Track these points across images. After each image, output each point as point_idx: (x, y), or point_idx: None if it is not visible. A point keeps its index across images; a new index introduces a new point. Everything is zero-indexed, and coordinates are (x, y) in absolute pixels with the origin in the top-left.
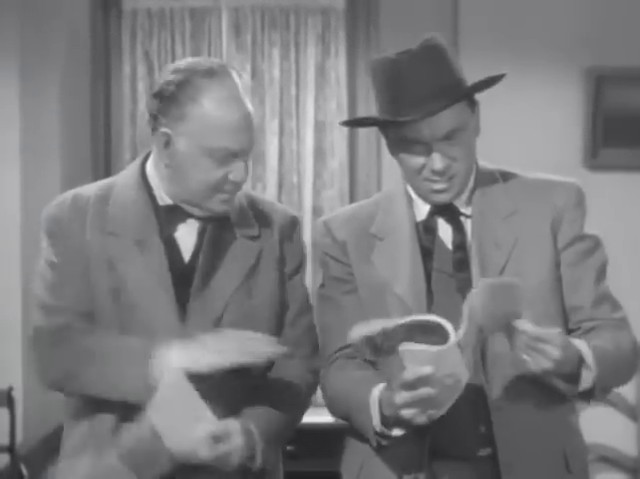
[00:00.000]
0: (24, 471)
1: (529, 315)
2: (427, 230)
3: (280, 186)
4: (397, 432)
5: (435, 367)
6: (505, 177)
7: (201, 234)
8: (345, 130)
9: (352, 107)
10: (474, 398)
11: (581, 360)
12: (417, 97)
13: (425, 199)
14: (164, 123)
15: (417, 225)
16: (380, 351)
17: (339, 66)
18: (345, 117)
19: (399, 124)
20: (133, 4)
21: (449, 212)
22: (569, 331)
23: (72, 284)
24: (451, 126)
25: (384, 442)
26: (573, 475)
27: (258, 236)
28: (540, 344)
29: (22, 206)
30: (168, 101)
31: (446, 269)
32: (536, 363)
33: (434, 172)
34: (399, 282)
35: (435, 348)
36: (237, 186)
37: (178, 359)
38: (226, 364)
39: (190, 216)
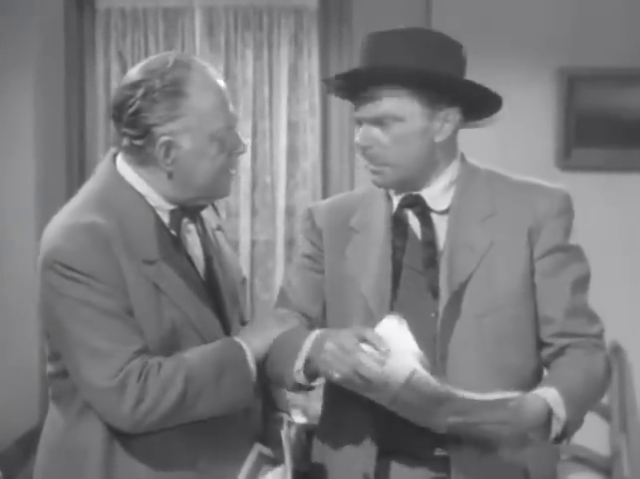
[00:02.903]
0: None
1: (497, 320)
2: (397, 223)
3: (253, 186)
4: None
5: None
6: (491, 177)
7: (202, 239)
8: (318, 130)
9: (325, 107)
10: None
11: (550, 412)
12: (373, 73)
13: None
14: (160, 132)
15: (392, 218)
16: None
17: (312, 66)
18: (318, 117)
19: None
20: (106, 4)
21: (417, 206)
22: (542, 344)
23: (127, 319)
24: (383, 110)
25: (300, 390)
26: None
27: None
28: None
29: None
30: (156, 109)
31: (416, 266)
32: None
33: (363, 153)
34: (366, 279)
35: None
36: (239, 158)
37: (263, 345)
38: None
39: (188, 220)
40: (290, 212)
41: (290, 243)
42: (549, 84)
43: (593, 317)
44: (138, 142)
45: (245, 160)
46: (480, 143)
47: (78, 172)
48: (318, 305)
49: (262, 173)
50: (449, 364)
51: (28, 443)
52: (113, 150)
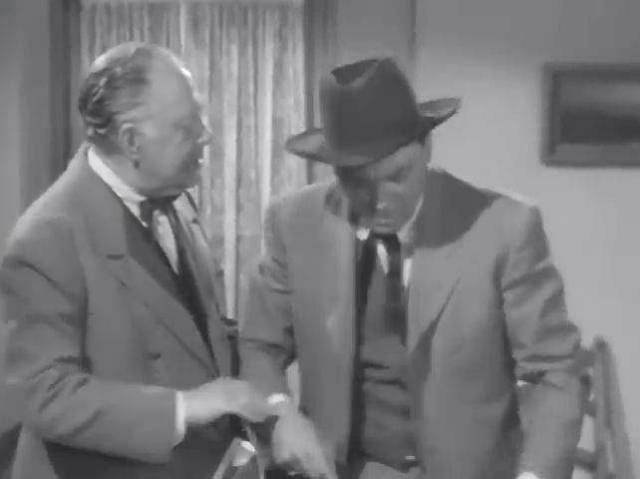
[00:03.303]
0: None
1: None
2: (365, 252)
3: (238, 181)
4: None
5: None
6: (453, 198)
7: (175, 231)
8: (303, 125)
9: (309, 103)
10: (402, 415)
11: None
12: (364, 134)
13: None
14: (122, 120)
15: (357, 242)
16: None
17: (297, 62)
18: (302, 113)
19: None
20: (92, 0)
21: (389, 240)
22: (516, 365)
23: (60, 325)
24: (398, 165)
25: None
26: None
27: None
28: None
29: None
30: (118, 96)
31: (383, 303)
32: None
33: (377, 210)
34: (331, 316)
35: None
36: (205, 146)
37: (205, 414)
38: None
39: (160, 212)
40: None
41: None
42: (534, 80)
43: (566, 331)
44: (101, 130)
45: (230, 155)
46: (465, 138)
47: (63, 168)
48: (281, 330)
49: (247, 168)
50: (421, 402)
51: (17, 436)
52: (85, 144)
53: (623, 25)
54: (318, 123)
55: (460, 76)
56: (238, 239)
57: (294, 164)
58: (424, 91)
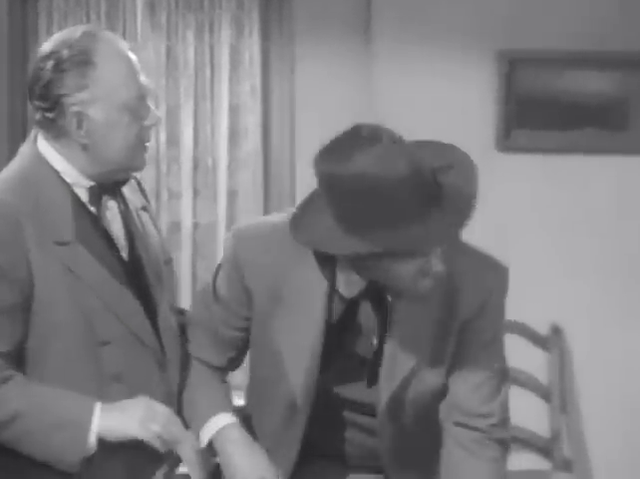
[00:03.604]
0: None
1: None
2: (349, 308)
3: (195, 168)
4: None
5: None
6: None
7: (124, 217)
8: (259, 112)
9: (266, 89)
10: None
11: None
12: (417, 215)
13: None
14: (69, 103)
15: (335, 297)
16: None
17: (253, 47)
18: (259, 99)
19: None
20: None
21: (377, 298)
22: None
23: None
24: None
25: None
26: None
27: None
28: None
29: None
30: (65, 79)
31: (355, 359)
32: None
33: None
34: (294, 371)
35: None
36: (153, 128)
37: (119, 429)
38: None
39: (108, 197)
40: (231, 194)
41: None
42: (490, 66)
43: (496, 389)
44: (49, 114)
45: (187, 142)
46: (419, 124)
47: None
48: (227, 358)
49: (204, 155)
50: (388, 431)
51: None
52: (35, 130)
53: (578, 12)
54: (275, 108)
55: (415, 62)
56: (195, 226)
57: (251, 150)
58: (379, 77)
